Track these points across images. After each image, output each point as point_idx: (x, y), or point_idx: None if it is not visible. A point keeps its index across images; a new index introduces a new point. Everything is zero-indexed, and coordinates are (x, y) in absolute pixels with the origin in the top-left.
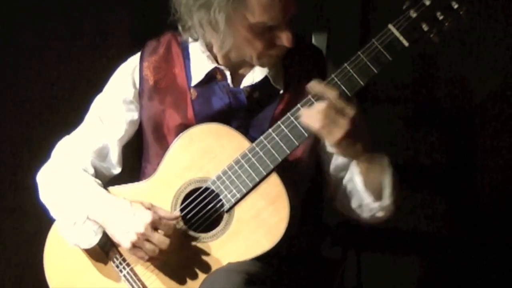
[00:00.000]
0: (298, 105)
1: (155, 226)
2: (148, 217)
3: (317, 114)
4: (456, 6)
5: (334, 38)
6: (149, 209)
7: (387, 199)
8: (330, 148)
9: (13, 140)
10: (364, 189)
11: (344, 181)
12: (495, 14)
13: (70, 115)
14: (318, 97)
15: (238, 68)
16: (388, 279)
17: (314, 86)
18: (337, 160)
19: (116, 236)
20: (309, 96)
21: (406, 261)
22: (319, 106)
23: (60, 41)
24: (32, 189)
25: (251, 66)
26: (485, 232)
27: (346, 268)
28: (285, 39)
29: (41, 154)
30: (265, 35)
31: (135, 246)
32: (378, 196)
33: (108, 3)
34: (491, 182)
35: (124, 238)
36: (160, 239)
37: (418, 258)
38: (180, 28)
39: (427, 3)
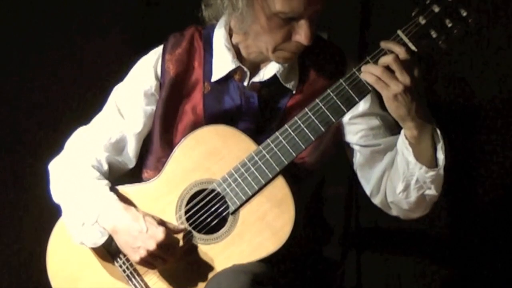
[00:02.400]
0: (306, 109)
1: (166, 243)
2: (160, 235)
3: (377, 67)
4: (465, 14)
5: (334, 38)
6: (160, 224)
7: (440, 170)
8: (386, 103)
9: (16, 138)
10: (415, 161)
11: (384, 166)
12: (495, 14)
13: (74, 115)
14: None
15: (257, 68)
16: (388, 279)
17: (384, 43)
18: (367, 151)
19: (125, 249)
20: (317, 101)
21: (406, 261)
22: (382, 59)
23: (65, 35)
24: (35, 187)
25: (268, 65)
26: (485, 232)
27: (346, 268)
28: (303, 35)
29: (44, 152)
30: (284, 27)
31: (143, 260)
32: (431, 166)
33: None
34: (491, 182)
35: (133, 253)
36: (169, 254)
37: (418, 258)
38: (202, 5)
39: (436, 10)
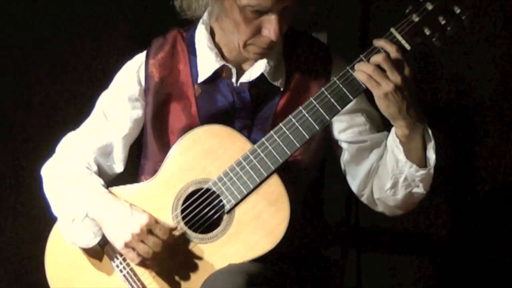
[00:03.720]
0: (300, 108)
1: (150, 228)
2: (144, 218)
3: (369, 65)
4: (458, 11)
5: (334, 38)
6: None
7: (432, 169)
8: (377, 102)
9: (14, 140)
10: (406, 159)
11: (371, 163)
12: (495, 13)
13: (72, 115)
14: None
15: (242, 65)
16: (388, 279)
17: (376, 41)
18: (353, 147)
19: (110, 235)
20: (311, 99)
21: (406, 261)
22: (374, 58)
23: (63, 39)
24: (33, 189)
25: (253, 63)
26: (485, 232)
27: (346, 268)
28: (271, 30)
29: (42, 154)
30: (253, 22)
31: (127, 246)
32: (421, 165)
33: (110, 3)
34: (491, 182)
35: (118, 237)
36: (155, 241)
37: (418, 258)
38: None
39: (430, 7)
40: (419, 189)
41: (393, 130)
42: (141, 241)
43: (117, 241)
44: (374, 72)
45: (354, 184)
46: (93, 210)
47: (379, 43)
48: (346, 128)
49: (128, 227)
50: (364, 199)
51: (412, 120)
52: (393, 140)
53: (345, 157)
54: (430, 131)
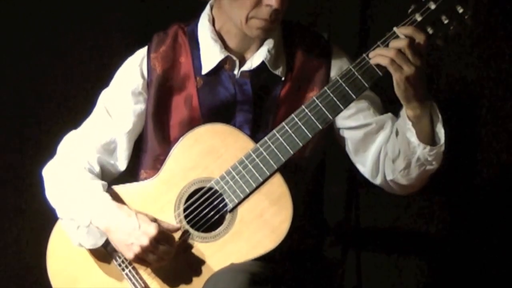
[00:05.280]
0: (303, 107)
1: (159, 239)
2: (152, 230)
3: (390, 49)
4: (461, 11)
5: (334, 38)
6: (153, 221)
7: (442, 146)
8: (396, 84)
9: (15, 139)
10: (418, 142)
11: (379, 146)
12: (495, 13)
13: (72, 114)
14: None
15: (245, 55)
16: (388, 279)
17: (404, 28)
18: (360, 133)
19: (119, 247)
20: (313, 98)
21: (406, 261)
22: (395, 43)
23: (62, 38)
24: (34, 188)
25: (255, 51)
26: (485, 232)
27: (346, 268)
28: None
29: (43, 153)
30: None
31: (138, 257)
32: (430, 142)
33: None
34: (491, 182)
35: (127, 250)
36: (164, 250)
37: (418, 258)
38: None
39: (432, 7)
40: (432, 166)
41: (403, 113)
42: (151, 251)
43: (127, 254)
44: (397, 56)
45: (366, 170)
46: (97, 219)
47: (406, 30)
48: (351, 115)
49: (137, 241)
50: (379, 183)
51: (423, 98)
52: (404, 124)
53: (352, 145)
54: (436, 106)
